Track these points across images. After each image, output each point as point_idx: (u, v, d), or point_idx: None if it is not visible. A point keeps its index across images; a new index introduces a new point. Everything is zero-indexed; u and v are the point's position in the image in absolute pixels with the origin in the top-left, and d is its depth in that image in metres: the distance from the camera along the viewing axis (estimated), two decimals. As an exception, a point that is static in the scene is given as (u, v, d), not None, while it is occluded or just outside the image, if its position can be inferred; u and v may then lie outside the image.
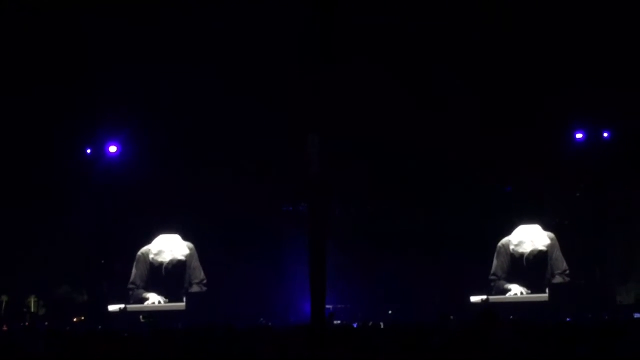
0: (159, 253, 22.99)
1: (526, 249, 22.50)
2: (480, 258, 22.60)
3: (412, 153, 22.21)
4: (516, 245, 22.55)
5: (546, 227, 22.58)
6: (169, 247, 23.01)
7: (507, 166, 22.33)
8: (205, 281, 22.86)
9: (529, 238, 22.53)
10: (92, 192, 22.76)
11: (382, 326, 16.74)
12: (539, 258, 22.42)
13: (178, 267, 22.94)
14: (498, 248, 22.58)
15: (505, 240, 22.60)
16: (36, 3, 20.11)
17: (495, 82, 21.47)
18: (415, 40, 20.76)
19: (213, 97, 21.73)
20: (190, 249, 22.99)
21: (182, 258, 22.94)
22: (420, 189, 22.52)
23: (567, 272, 22.25)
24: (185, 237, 23.18)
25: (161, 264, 22.96)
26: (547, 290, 21.91)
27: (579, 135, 22.52)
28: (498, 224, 22.81)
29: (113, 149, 23.08)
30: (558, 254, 22.42)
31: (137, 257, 22.96)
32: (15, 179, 22.30)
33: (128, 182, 22.98)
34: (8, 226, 22.46)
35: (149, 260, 22.94)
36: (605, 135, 22.43)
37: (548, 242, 22.44)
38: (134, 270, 22.90)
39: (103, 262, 23.10)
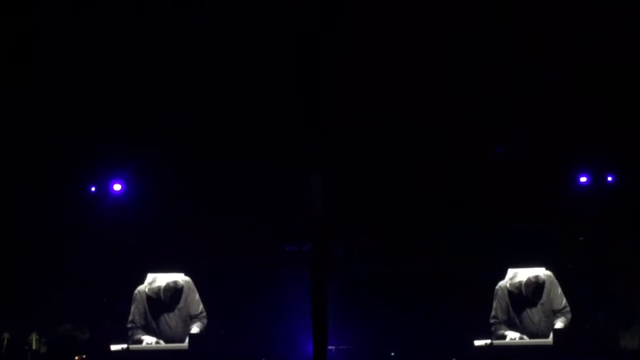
0: (153, 281, 22.98)
1: (522, 278, 22.48)
2: (485, 300, 22.55)
3: (415, 194, 22.24)
4: (512, 279, 22.52)
5: (547, 269, 22.58)
6: (164, 276, 23.04)
7: (510, 207, 22.36)
8: (204, 313, 22.78)
9: (524, 270, 22.57)
10: (96, 230, 22.80)
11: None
12: (537, 286, 22.36)
13: (175, 293, 22.87)
14: (495, 291, 22.53)
15: (501, 282, 22.59)
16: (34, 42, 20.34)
17: (498, 122, 21.53)
18: (417, 82, 20.87)
19: (216, 137, 21.84)
20: (187, 280, 22.99)
21: (180, 281, 22.91)
22: (423, 230, 22.53)
23: (567, 308, 22.21)
24: (188, 275, 23.19)
25: (158, 290, 22.88)
26: (551, 335, 21.81)
27: (583, 179, 22.55)
28: (503, 266, 22.78)
29: (117, 187, 23.11)
30: (557, 291, 22.35)
31: (134, 295, 22.89)
32: (17, 215, 22.34)
33: (132, 220, 23.00)
34: (9, 263, 22.46)
35: (145, 293, 22.88)
36: (609, 179, 22.44)
37: (545, 273, 22.45)
38: (132, 309, 22.82)
39: (105, 300, 23.03)
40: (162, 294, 22.95)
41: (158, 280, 23.06)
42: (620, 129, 21.10)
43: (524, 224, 22.28)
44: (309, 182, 17.07)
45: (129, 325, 22.77)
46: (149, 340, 22.65)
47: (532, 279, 22.44)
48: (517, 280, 22.53)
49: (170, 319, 22.87)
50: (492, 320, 22.38)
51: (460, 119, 21.33)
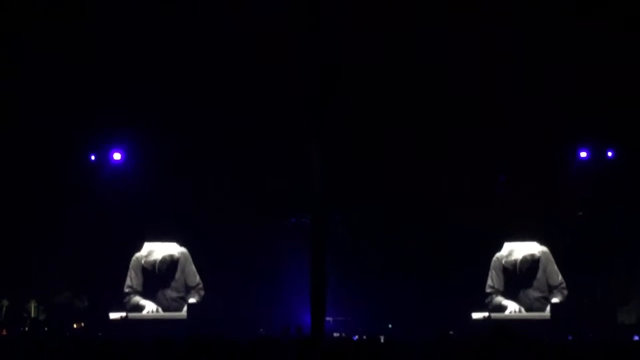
0: (150, 254, 23.18)
1: (517, 256, 22.70)
2: (483, 274, 22.66)
3: (415, 165, 22.20)
4: (507, 256, 22.75)
5: (544, 244, 22.70)
6: (161, 248, 23.21)
7: (510, 182, 22.39)
8: (201, 285, 22.97)
9: (520, 247, 22.76)
10: (95, 199, 22.80)
11: (382, 340, 16.72)
12: (532, 264, 22.58)
13: (171, 265, 23.06)
14: (492, 262, 22.80)
15: (498, 254, 22.80)
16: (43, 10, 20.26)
17: (498, 100, 21.47)
18: (419, 53, 20.83)
19: (215, 107, 21.80)
20: (184, 252, 23.15)
21: (176, 254, 23.10)
22: (422, 203, 22.51)
23: (564, 284, 22.41)
24: (187, 247, 23.27)
25: (154, 262, 23.09)
26: (549, 309, 21.89)
27: (583, 154, 22.54)
28: (500, 241, 22.86)
29: (117, 156, 23.08)
30: (552, 267, 22.56)
31: (132, 261, 23.14)
32: (18, 184, 22.31)
33: (131, 189, 22.99)
34: (10, 231, 22.46)
35: (142, 263, 23.06)
36: (610, 154, 22.43)
37: (540, 250, 22.61)
38: (128, 275, 23.03)
39: (104, 268, 23.07)
40: (157, 267, 23.09)
41: (154, 252, 23.16)
42: (620, 104, 21.08)
43: (522, 198, 22.31)
44: (308, 152, 17.06)
45: (126, 290, 22.93)
46: (148, 307, 22.81)
47: (528, 257, 22.57)
48: (512, 258, 22.67)
49: (166, 291, 23.00)
50: (488, 290, 22.59)
51: (463, 94, 21.35)
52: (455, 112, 21.74)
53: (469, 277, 22.25)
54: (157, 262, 23.07)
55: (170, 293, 22.97)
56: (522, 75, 21.31)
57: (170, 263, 23.08)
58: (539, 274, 22.50)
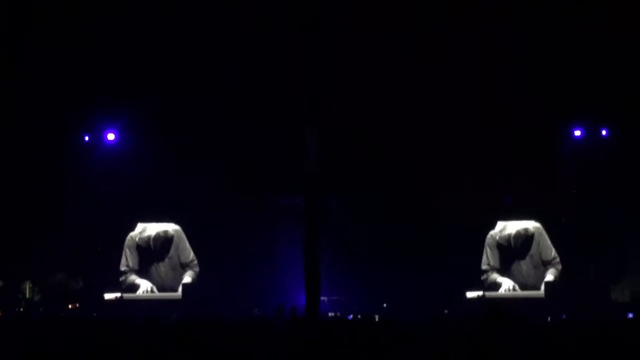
0: (143, 230, 23.27)
1: (511, 230, 22.85)
2: (477, 253, 22.71)
3: (410, 147, 22.19)
4: (501, 231, 22.89)
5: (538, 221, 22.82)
6: (154, 225, 23.34)
7: (503, 163, 22.40)
8: (195, 261, 23.05)
9: (514, 223, 22.95)
10: (90, 179, 22.80)
11: (377, 319, 16.76)
12: (526, 238, 22.71)
13: (165, 242, 23.15)
14: (486, 239, 22.93)
15: (492, 231, 22.96)
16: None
17: (492, 79, 21.45)
18: (416, 39, 20.80)
19: (211, 88, 21.76)
20: (177, 229, 23.25)
21: (170, 230, 23.20)
22: (417, 183, 22.52)
23: (557, 259, 22.54)
24: (182, 227, 23.32)
25: (148, 239, 23.20)
26: (543, 287, 21.96)
27: (577, 132, 22.56)
28: (494, 220, 22.91)
29: (111, 136, 23.05)
30: (546, 242, 22.71)
31: (126, 240, 23.25)
32: (11, 165, 22.27)
33: (125, 170, 22.99)
34: (3, 212, 22.43)
35: (136, 240, 23.15)
36: (604, 132, 22.45)
37: (534, 225, 22.75)
38: (123, 254, 23.10)
39: (99, 248, 23.08)
40: (152, 243, 23.17)
41: (148, 229, 23.26)
42: (615, 83, 21.09)
43: (517, 177, 22.35)
44: (304, 134, 17.05)
45: (122, 269, 22.99)
46: (143, 286, 22.86)
47: (522, 232, 22.73)
48: (506, 232, 22.81)
49: (161, 268, 23.08)
50: (484, 267, 22.69)
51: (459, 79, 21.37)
52: (452, 104, 21.79)
53: (463, 256, 22.26)
54: (151, 238, 23.15)
55: (165, 270, 23.06)
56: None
57: (165, 239, 23.16)
58: (533, 249, 22.63)
